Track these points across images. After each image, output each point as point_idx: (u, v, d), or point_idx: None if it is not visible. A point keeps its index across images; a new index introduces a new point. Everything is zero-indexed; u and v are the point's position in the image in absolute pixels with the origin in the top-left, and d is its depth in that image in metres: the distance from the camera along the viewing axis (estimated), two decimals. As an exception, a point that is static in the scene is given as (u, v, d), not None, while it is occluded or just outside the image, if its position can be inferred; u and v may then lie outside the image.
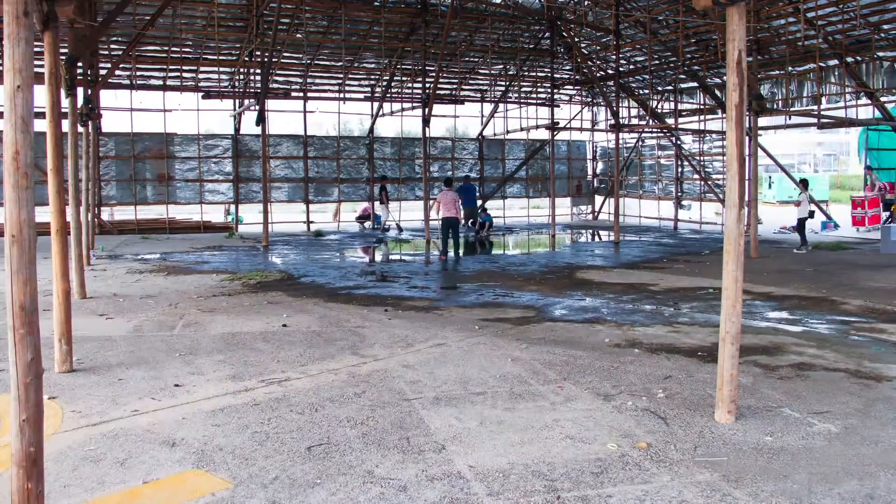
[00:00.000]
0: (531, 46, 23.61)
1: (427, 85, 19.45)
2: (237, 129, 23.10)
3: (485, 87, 26.67)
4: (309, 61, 22.58)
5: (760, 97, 16.04)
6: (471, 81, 26.28)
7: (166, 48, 20.57)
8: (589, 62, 24.22)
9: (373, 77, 24.80)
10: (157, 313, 9.07)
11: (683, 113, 24.14)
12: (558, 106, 25.27)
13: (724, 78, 8.14)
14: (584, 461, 4.26)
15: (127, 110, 21.46)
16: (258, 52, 18.96)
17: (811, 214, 16.74)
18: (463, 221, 19.51)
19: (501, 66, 25.37)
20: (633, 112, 26.25)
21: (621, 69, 22.56)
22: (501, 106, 26.26)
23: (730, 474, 4.07)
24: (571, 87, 27.02)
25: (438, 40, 19.28)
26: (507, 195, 27.65)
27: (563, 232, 22.72)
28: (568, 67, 25.76)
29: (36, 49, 5.41)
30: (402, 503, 3.73)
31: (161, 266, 13.83)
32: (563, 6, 21.48)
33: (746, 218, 8.79)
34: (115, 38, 19.63)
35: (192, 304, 9.78)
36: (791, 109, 19.07)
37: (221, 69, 21.80)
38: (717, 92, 21.08)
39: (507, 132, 26.38)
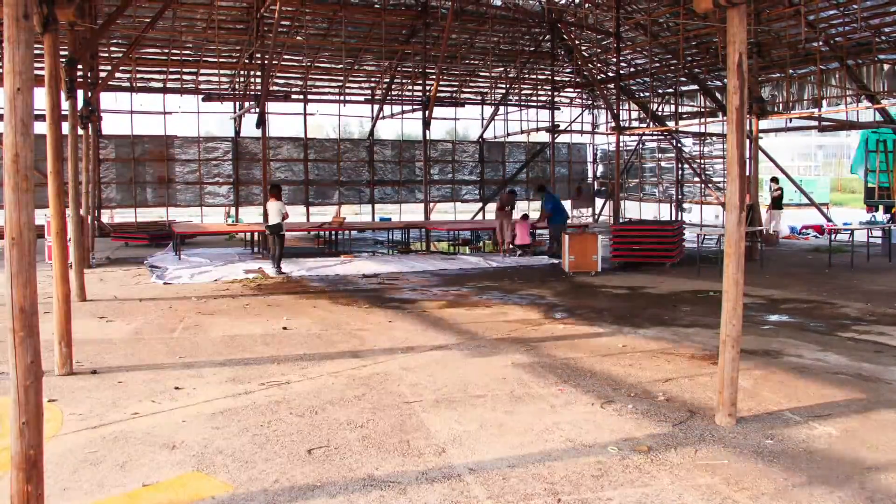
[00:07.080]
0: (532, 49, 23.62)
1: (427, 87, 19.45)
2: (237, 132, 23.11)
3: (485, 90, 26.66)
4: (309, 64, 22.60)
5: (761, 100, 16.04)
6: (471, 84, 26.29)
7: (166, 50, 20.57)
8: (589, 65, 24.22)
9: (373, 79, 24.81)
10: (157, 316, 9.07)
11: (684, 115, 24.15)
12: (559, 108, 25.28)
13: (725, 81, 8.14)
14: (585, 464, 4.25)
15: (127, 112, 21.49)
16: (258, 55, 18.97)
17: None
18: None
19: (502, 69, 25.38)
20: (634, 115, 26.27)
21: (622, 72, 22.57)
22: (502, 108, 26.27)
23: (730, 477, 4.06)
24: (572, 90, 27.03)
25: (439, 43, 19.28)
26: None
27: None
28: (568, 70, 25.77)
29: (36, 51, 5.41)
30: (401, 506, 3.73)
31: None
32: (563, 9, 21.50)
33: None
34: (115, 41, 19.63)
35: (192, 306, 9.78)
36: (792, 112, 19.07)
37: (221, 71, 21.81)
38: (718, 95, 21.09)
39: (508, 135, 26.40)
